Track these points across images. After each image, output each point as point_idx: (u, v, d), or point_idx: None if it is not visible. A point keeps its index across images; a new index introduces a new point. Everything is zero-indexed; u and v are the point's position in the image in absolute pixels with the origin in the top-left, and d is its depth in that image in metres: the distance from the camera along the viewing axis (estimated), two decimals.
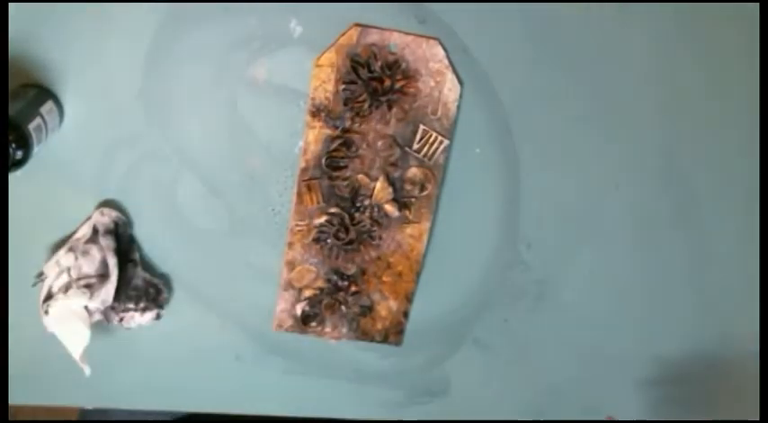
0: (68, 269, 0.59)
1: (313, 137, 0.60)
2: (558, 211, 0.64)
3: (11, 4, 0.56)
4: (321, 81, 0.59)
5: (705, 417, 0.69)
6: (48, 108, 0.56)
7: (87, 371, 0.59)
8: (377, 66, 0.59)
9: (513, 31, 0.60)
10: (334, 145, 0.60)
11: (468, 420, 0.69)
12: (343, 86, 0.59)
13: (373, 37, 0.59)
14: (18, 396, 0.63)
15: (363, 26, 0.59)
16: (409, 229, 0.63)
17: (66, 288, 0.58)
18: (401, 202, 0.62)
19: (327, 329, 0.64)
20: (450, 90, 0.61)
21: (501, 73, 0.61)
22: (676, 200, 0.65)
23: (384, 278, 0.64)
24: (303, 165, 0.61)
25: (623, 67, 0.62)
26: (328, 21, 0.58)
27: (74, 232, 0.60)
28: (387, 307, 0.65)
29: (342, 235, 0.62)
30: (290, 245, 0.63)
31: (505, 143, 0.62)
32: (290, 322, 0.64)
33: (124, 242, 0.61)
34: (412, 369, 0.67)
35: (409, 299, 0.65)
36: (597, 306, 0.67)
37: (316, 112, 0.60)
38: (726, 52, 0.62)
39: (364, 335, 0.65)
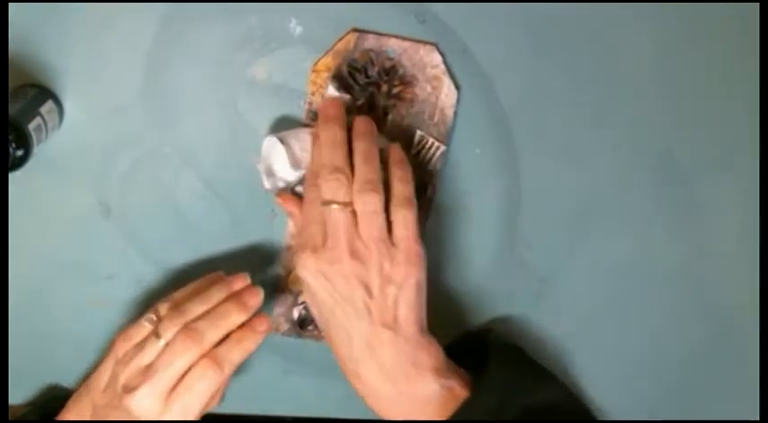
0: None
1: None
2: (559, 211, 0.64)
3: (11, 4, 0.56)
4: (318, 86, 0.59)
5: (705, 417, 0.69)
6: (48, 108, 0.56)
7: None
8: (374, 71, 0.59)
9: (513, 31, 0.60)
10: None
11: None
12: (341, 90, 0.59)
13: (370, 42, 0.59)
14: (19, 396, 0.63)
15: (360, 31, 0.59)
16: None
17: None
18: None
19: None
20: (446, 95, 0.60)
21: (501, 72, 0.61)
22: (676, 200, 0.65)
23: None
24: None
25: (623, 67, 0.62)
26: (328, 21, 0.58)
27: None
28: None
29: None
30: (288, 249, 0.63)
31: (505, 143, 0.62)
32: (286, 326, 0.64)
33: None
34: None
35: None
36: (597, 306, 0.66)
37: (314, 117, 0.60)
38: (726, 52, 0.62)
39: None
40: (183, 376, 0.54)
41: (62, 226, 0.61)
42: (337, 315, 0.55)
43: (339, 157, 0.55)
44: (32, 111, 0.54)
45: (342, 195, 0.54)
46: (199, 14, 0.58)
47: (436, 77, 0.60)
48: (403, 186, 0.56)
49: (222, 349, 0.55)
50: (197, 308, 0.55)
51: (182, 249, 0.62)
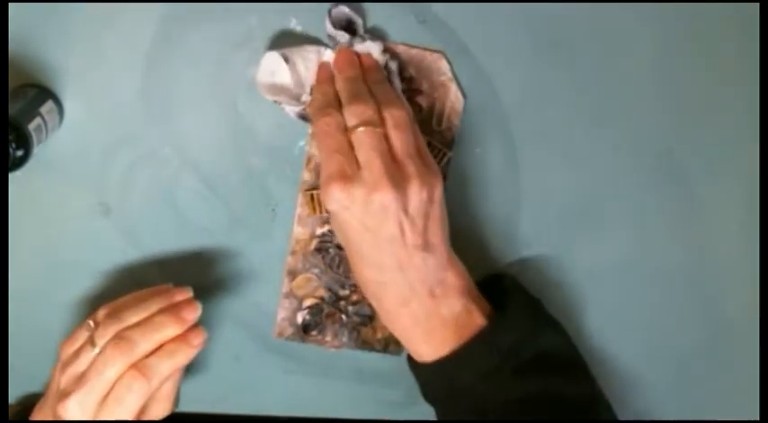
0: None
1: (317, 147, 0.60)
2: (559, 211, 0.64)
3: (11, 4, 0.56)
4: None
5: (705, 417, 0.69)
6: (48, 108, 0.56)
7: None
8: None
9: (513, 31, 0.60)
10: None
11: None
12: None
13: None
14: (18, 396, 0.63)
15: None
16: None
17: None
18: None
19: (328, 338, 0.64)
20: (453, 103, 0.60)
21: (501, 72, 0.61)
22: (677, 200, 0.65)
23: None
24: (307, 175, 0.61)
25: (623, 67, 0.62)
26: None
27: None
28: None
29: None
30: (293, 253, 0.62)
31: (505, 143, 0.62)
32: (290, 331, 0.64)
33: None
34: None
35: None
36: (597, 306, 0.67)
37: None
38: (726, 52, 0.62)
39: (365, 344, 0.65)
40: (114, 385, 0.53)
41: (62, 226, 0.61)
42: (368, 241, 0.53)
43: (360, 86, 0.55)
44: (32, 111, 0.54)
45: (370, 116, 0.52)
46: (199, 14, 0.58)
47: (443, 85, 0.60)
48: (386, 88, 0.56)
49: (152, 360, 0.54)
50: (133, 317, 0.55)
51: (181, 249, 0.62)
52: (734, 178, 0.65)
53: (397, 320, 0.56)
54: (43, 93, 0.57)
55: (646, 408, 0.69)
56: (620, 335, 0.67)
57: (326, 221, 0.62)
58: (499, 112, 0.62)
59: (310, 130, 0.60)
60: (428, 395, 0.59)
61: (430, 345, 0.56)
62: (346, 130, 0.53)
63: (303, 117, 0.59)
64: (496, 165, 0.63)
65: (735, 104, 0.63)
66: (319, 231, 0.62)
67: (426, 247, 0.53)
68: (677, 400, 0.69)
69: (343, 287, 0.63)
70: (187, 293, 0.58)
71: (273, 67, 0.57)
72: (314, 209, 0.61)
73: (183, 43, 0.58)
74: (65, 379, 0.54)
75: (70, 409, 0.53)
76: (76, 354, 0.55)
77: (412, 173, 0.52)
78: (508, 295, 0.58)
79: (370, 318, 0.64)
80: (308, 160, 0.60)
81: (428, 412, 0.68)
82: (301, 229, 0.62)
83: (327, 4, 0.58)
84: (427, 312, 0.55)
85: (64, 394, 0.53)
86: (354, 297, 0.64)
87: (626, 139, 0.63)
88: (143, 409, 0.55)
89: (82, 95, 0.58)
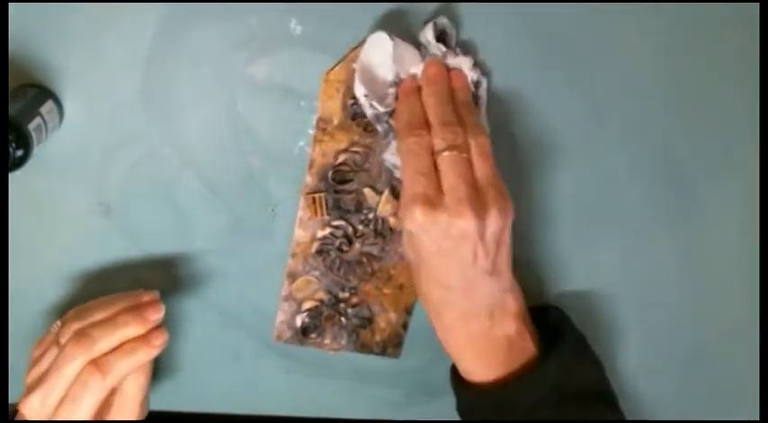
0: None
1: (320, 150, 0.60)
2: (559, 212, 0.64)
3: (11, 4, 0.56)
4: (329, 96, 0.59)
5: (705, 417, 0.69)
6: (48, 108, 0.55)
7: None
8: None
9: (513, 31, 0.60)
10: (341, 159, 0.60)
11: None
12: (351, 101, 0.59)
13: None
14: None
15: None
16: None
17: None
18: None
19: (327, 341, 0.64)
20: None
21: (501, 72, 0.61)
22: (677, 200, 0.65)
23: (385, 290, 0.64)
24: (309, 177, 0.60)
25: (623, 68, 0.62)
26: (328, 20, 0.58)
27: None
28: (386, 319, 0.64)
29: (345, 247, 0.62)
30: (294, 256, 0.62)
31: (505, 143, 0.62)
32: (289, 333, 0.64)
33: None
34: (412, 369, 0.67)
35: (409, 311, 0.65)
36: (596, 307, 0.67)
37: (324, 126, 0.59)
38: (726, 52, 0.62)
39: (363, 347, 0.65)
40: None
41: (62, 226, 0.61)
42: (439, 263, 0.54)
43: (449, 108, 0.55)
44: (32, 111, 0.54)
45: (458, 141, 0.53)
46: (199, 14, 0.58)
47: None
48: (472, 112, 0.56)
49: (110, 357, 0.54)
50: (96, 315, 0.56)
51: (182, 249, 0.62)
52: (734, 178, 0.65)
53: (454, 337, 0.56)
54: (43, 93, 0.57)
55: (647, 408, 0.69)
56: (619, 335, 0.67)
57: (327, 224, 0.62)
58: (499, 111, 0.62)
59: (312, 132, 0.60)
60: (468, 413, 0.59)
61: (481, 364, 0.56)
62: (433, 152, 0.54)
63: (377, 118, 0.58)
64: (496, 165, 0.63)
65: (735, 104, 0.63)
66: (320, 234, 0.62)
67: (494, 271, 0.54)
68: (677, 400, 0.69)
69: (343, 290, 0.63)
70: (153, 296, 0.58)
71: (384, 47, 0.56)
72: (315, 212, 0.61)
73: (183, 43, 0.58)
74: (30, 378, 0.55)
75: (31, 406, 0.53)
76: (43, 354, 0.56)
77: (491, 201, 0.53)
78: (558, 328, 0.59)
79: (369, 320, 0.64)
80: (311, 163, 0.60)
81: (428, 412, 0.68)
82: (302, 232, 0.62)
83: (327, 4, 0.58)
84: (484, 332, 0.55)
85: (26, 392, 0.54)
86: (354, 300, 0.64)
87: (626, 139, 0.63)
88: (105, 411, 0.55)
89: (82, 95, 0.58)
